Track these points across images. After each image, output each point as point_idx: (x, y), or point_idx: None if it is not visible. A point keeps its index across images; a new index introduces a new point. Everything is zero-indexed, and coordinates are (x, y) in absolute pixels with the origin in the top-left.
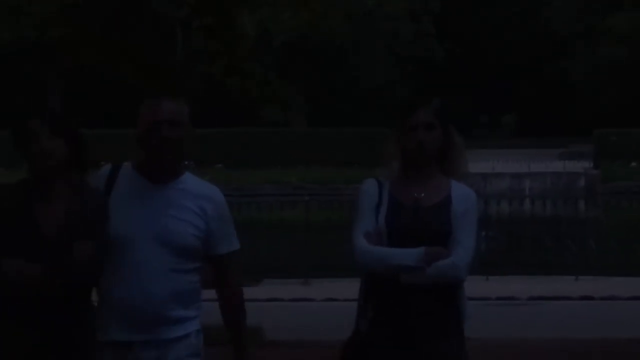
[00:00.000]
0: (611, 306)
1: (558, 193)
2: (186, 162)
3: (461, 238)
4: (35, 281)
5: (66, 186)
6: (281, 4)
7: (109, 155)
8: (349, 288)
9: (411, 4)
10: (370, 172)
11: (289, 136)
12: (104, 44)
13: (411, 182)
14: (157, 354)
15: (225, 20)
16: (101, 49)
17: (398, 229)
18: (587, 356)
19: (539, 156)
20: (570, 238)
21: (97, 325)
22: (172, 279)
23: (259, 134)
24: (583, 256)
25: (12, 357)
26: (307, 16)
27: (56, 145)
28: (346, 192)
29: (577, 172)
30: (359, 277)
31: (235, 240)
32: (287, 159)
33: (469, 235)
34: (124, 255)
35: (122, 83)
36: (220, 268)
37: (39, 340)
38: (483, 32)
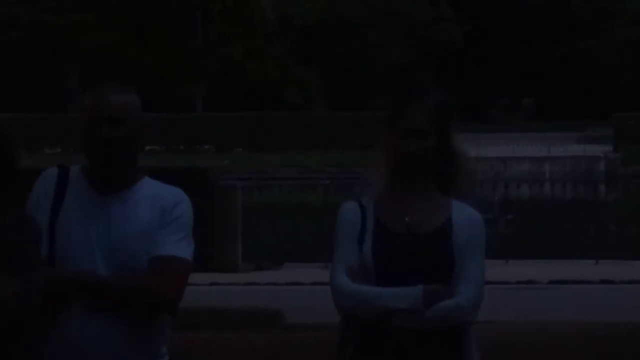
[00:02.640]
0: (631, 290)
1: (578, 176)
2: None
3: (467, 272)
4: None
5: None
6: None
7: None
8: None
9: None
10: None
11: (308, 120)
12: (123, 27)
13: (402, 202)
14: None
15: (244, 3)
16: (120, 32)
17: (387, 262)
18: (607, 340)
19: (558, 139)
20: (590, 222)
21: None
22: (129, 317)
23: (279, 117)
24: (603, 240)
25: None
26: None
27: None
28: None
29: (596, 156)
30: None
31: (185, 249)
32: (306, 143)
33: (476, 268)
34: None
35: (141, 67)
36: (156, 270)
37: None
38: (501, 14)
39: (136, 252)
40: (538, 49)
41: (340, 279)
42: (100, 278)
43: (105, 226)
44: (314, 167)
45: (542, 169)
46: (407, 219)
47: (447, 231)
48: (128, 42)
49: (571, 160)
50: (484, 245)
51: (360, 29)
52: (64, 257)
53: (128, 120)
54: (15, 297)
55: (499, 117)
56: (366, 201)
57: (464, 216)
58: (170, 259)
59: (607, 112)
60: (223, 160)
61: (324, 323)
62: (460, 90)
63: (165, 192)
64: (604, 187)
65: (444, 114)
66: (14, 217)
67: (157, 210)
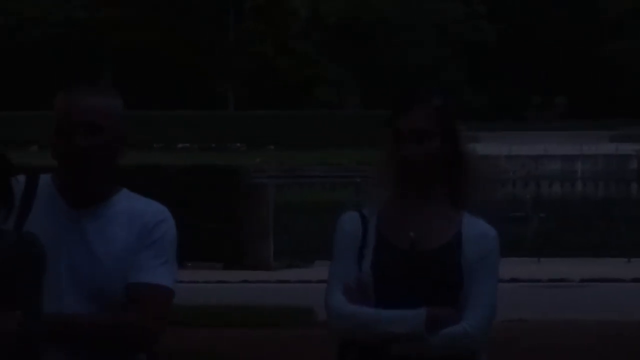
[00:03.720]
0: None
1: (610, 175)
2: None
3: (476, 295)
4: None
5: None
6: None
7: (159, 137)
8: None
9: None
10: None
11: (341, 118)
12: (157, 26)
13: (407, 214)
14: None
15: (277, 2)
16: (154, 30)
17: (388, 282)
18: (636, 334)
19: (590, 138)
20: (622, 220)
21: None
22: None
23: (311, 115)
24: (635, 238)
25: None
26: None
27: None
28: None
29: (628, 154)
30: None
31: (166, 275)
32: (338, 141)
33: (487, 290)
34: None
35: (175, 64)
36: (131, 300)
37: None
38: (534, 13)
39: (111, 276)
40: (570, 47)
41: (336, 299)
42: (70, 320)
43: (78, 245)
44: (346, 165)
45: (574, 168)
46: (411, 233)
47: (455, 248)
48: (162, 39)
49: (603, 159)
50: (496, 265)
51: (393, 27)
52: None
53: (107, 128)
54: (14, 334)
55: (531, 116)
56: (368, 212)
57: (476, 232)
58: (150, 288)
59: (639, 111)
60: (255, 158)
61: None
62: (493, 89)
63: (146, 207)
64: (636, 186)
65: (450, 114)
66: (13, 236)
67: (135, 228)
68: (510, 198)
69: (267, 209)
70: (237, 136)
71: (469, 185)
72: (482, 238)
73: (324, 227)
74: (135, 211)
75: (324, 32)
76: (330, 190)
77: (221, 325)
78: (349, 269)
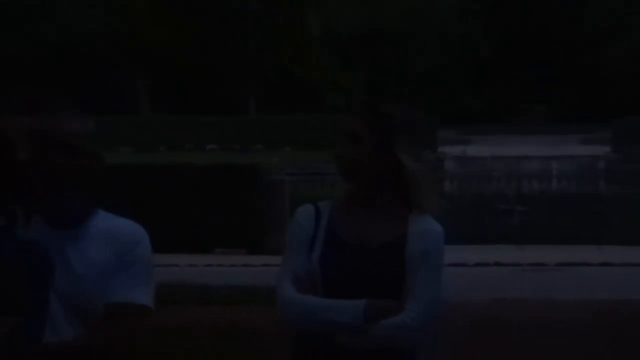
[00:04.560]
0: (629, 271)
1: (581, 173)
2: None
3: (418, 289)
4: None
5: None
6: (342, 3)
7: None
8: None
9: (459, 3)
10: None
11: None
12: (188, 39)
13: (358, 213)
14: None
15: (294, 19)
16: (184, 42)
17: (335, 274)
18: (609, 314)
19: (565, 141)
20: (592, 212)
21: None
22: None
23: (323, 119)
24: (603, 228)
25: None
26: (363, 14)
27: None
28: None
29: (597, 155)
30: None
31: (143, 293)
32: None
33: (429, 285)
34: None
35: (201, 73)
36: (106, 319)
37: None
38: (524, 31)
39: (92, 295)
40: (554, 62)
41: (285, 289)
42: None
43: (59, 265)
44: None
45: (550, 167)
46: (360, 230)
47: (401, 244)
48: (192, 53)
49: (576, 159)
50: (440, 261)
51: (398, 38)
52: None
53: (83, 151)
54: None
55: (517, 121)
56: (324, 206)
57: (421, 229)
58: (126, 307)
59: (609, 117)
60: (273, 158)
61: None
62: (486, 96)
63: (122, 228)
64: (604, 183)
65: (389, 125)
66: (14, 243)
67: (113, 248)
68: (496, 193)
69: (284, 202)
70: (258, 138)
71: (412, 188)
72: (426, 234)
73: None
74: (112, 232)
75: (335, 44)
76: (340, 186)
77: (246, 303)
78: (300, 259)
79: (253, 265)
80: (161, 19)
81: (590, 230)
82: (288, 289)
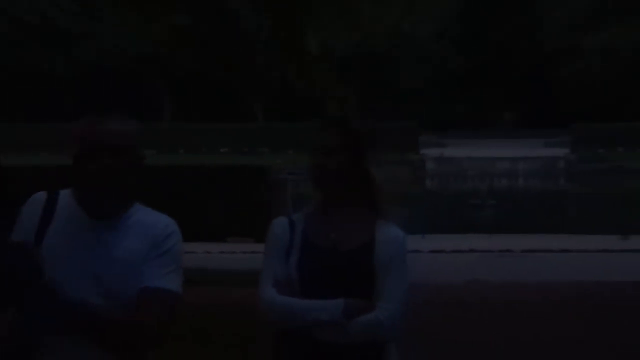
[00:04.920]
0: (585, 257)
1: (544, 172)
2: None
3: (388, 289)
4: None
5: None
6: (338, 27)
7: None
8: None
9: (437, 27)
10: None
11: None
12: (205, 57)
13: (329, 220)
14: None
15: (295, 38)
16: (202, 61)
17: (311, 276)
18: (568, 293)
19: (530, 144)
20: (553, 205)
21: None
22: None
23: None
24: (562, 218)
25: None
26: (356, 36)
27: None
28: None
29: (558, 157)
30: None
31: (174, 281)
32: None
33: (397, 286)
34: None
35: (214, 85)
36: (142, 302)
37: None
38: (493, 51)
39: (127, 280)
40: (520, 75)
41: (266, 291)
42: (91, 310)
43: (94, 252)
44: None
45: (517, 167)
46: (332, 235)
47: (370, 249)
48: (208, 68)
49: (539, 160)
50: (405, 264)
51: (388, 56)
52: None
53: (129, 150)
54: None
55: (488, 127)
56: (297, 217)
57: (388, 235)
58: (159, 292)
59: (568, 123)
60: (276, 159)
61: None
62: (462, 105)
63: (157, 221)
64: (563, 180)
65: (357, 138)
66: (6, 246)
67: (148, 239)
68: (470, 189)
69: (286, 197)
70: (264, 142)
71: (377, 197)
72: (393, 241)
73: None
74: (147, 224)
75: (332, 61)
76: None
77: (255, 284)
78: (279, 265)
79: (261, 252)
80: (183, 42)
81: (552, 221)
82: (269, 292)
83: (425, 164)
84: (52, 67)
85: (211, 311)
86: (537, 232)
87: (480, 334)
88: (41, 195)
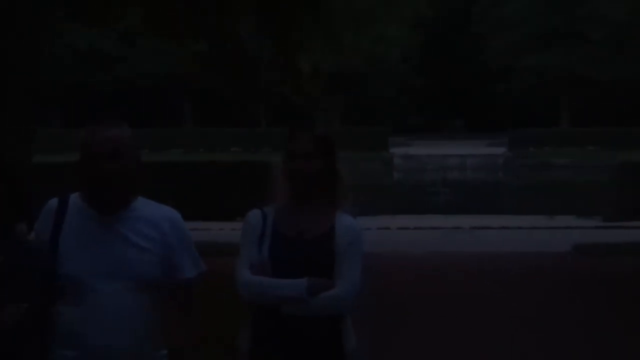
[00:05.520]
0: (520, 232)
1: (487, 166)
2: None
3: (346, 271)
4: None
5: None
6: (325, 52)
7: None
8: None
9: (403, 54)
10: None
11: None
12: (220, 75)
13: (296, 212)
14: None
15: (290, 61)
16: (218, 78)
17: (281, 260)
18: (508, 262)
19: (476, 144)
20: (494, 192)
21: None
22: (139, 318)
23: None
24: (502, 202)
25: None
26: (339, 59)
27: None
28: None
29: (497, 154)
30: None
31: (201, 261)
32: None
33: (354, 268)
34: (84, 298)
35: (227, 97)
36: (189, 291)
37: None
38: (446, 70)
39: (141, 264)
40: (468, 89)
41: (242, 273)
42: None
43: (107, 243)
44: None
45: (465, 162)
46: (298, 226)
47: (331, 237)
48: (222, 84)
49: (483, 157)
50: (361, 250)
51: (365, 74)
52: (67, 274)
53: (126, 154)
54: (17, 325)
55: (444, 131)
56: (268, 210)
57: (345, 225)
58: (189, 280)
59: (505, 128)
60: (277, 157)
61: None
62: (422, 113)
63: (161, 211)
64: (501, 174)
65: (327, 143)
66: (28, 248)
67: (157, 226)
68: (429, 180)
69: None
70: (267, 143)
71: (339, 193)
72: (350, 230)
73: None
74: (153, 213)
75: (321, 79)
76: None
77: None
78: (252, 251)
79: None
80: (202, 64)
81: (493, 204)
82: (245, 273)
83: (394, 160)
84: (98, 84)
85: (224, 283)
86: (481, 213)
87: (432, 289)
88: (53, 202)
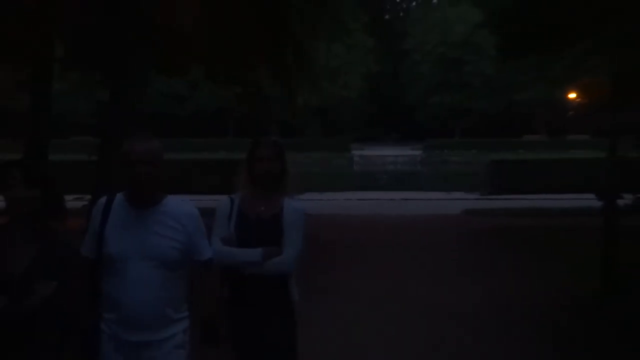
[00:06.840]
0: (434, 202)
1: (410, 162)
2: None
3: (290, 242)
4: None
5: (38, 231)
6: (311, 92)
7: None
8: None
9: (359, 91)
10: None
11: (311, 141)
12: (246, 106)
13: (255, 199)
14: (151, 350)
15: (290, 97)
16: (245, 109)
17: (245, 235)
18: (416, 219)
19: (404, 148)
20: (414, 178)
21: (104, 327)
22: (163, 288)
23: (303, 140)
24: (419, 184)
25: None
26: (320, 96)
27: (30, 194)
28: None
29: (417, 154)
30: None
31: (212, 249)
32: (321, 148)
33: (296, 239)
34: (123, 273)
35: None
36: (206, 270)
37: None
38: (387, 101)
39: (169, 249)
40: (400, 113)
41: (216, 243)
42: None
43: (141, 231)
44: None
45: (397, 159)
46: (257, 208)
47: (280, 217)
48: (241, 99)
49: (407, 156)
50: (302, 226)
51: (335, 106)
52: (111, 254)
53: (154, 162)
54: (48, 299)
55: (384, 139)
56: (235, 197)
57: (291, 208)
58: (209, 262)
59: (423, 138)
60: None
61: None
62: (371, 127)
63: (184, 206)
64: (420, 165)
65: (281, 149)
66: (60, 242)
67: (182, 218)
68: (376, 171)
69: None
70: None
71: (288, 184)
72: (294, 211)
73: None
74: (176, 209)
75: (307, 107)
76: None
77: None
78: (223, 228)
79: None
80: (238, 99)
81: (414, 185)
82: (217, 244)
83: (354, 158)
84: (175, 113)
85: None
86: (406, 190)
87: (366, 239)
88: (102, 200)
